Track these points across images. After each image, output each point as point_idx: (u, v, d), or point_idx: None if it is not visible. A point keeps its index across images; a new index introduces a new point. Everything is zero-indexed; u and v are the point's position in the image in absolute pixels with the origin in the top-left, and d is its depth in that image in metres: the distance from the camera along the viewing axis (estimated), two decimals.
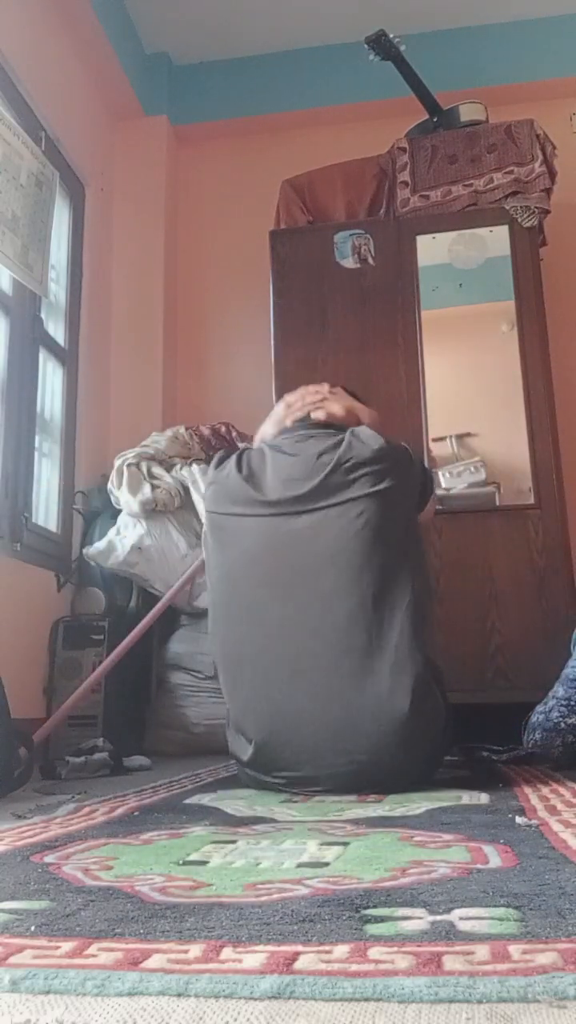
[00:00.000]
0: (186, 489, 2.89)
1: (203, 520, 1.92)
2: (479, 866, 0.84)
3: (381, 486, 1.66)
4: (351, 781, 1.55)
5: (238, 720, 1.67)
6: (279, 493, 1.69)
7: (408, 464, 1.75)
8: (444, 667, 1.77)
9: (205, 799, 1.49)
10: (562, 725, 1.92)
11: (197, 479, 2.85)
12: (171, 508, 2.86)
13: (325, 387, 2.00)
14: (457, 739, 1.83)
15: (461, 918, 0.64)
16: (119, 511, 2.91)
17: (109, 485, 2.92)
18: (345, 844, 0.99)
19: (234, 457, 1.80)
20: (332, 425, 1.83)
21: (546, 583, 2.63)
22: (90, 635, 2.72)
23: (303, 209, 3.21)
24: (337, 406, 1.91)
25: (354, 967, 0.53)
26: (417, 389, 2.87)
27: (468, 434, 2.89)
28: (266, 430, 1.98)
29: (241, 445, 2.18)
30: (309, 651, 1.60)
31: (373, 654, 1.57)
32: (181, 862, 0.90)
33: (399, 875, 0.80)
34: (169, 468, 2.95)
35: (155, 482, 2.86)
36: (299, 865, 0.87)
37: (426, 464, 1.90)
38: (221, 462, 1.82)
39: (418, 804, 1.33)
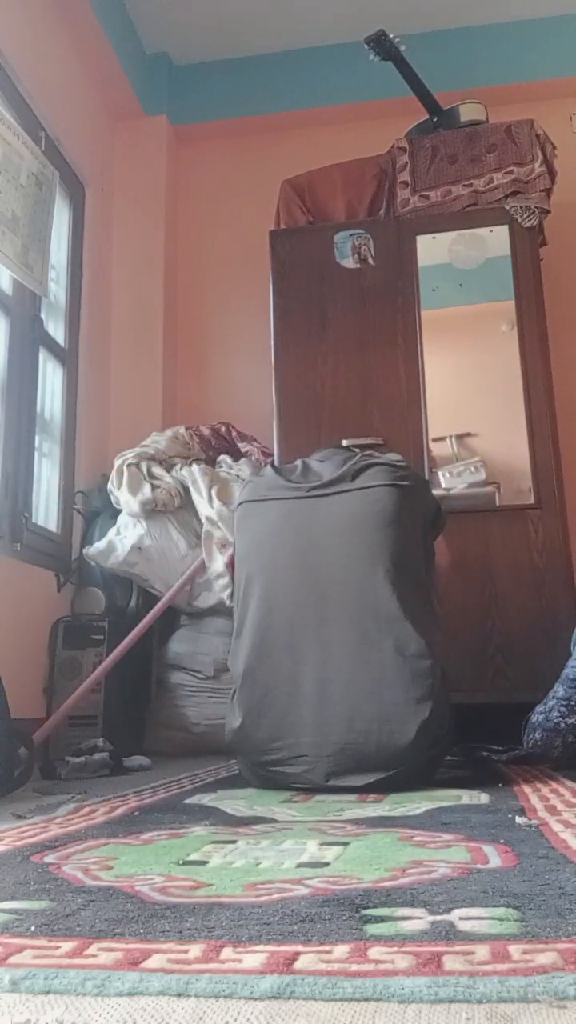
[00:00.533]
0: (186, 489, 2.89)
1: (234, 513, 2.00)
2: (479, 866, 0.84)
3: (397, 482, 1.79)
4: (343, 762, 1.59)
5: (238, 687, 1.77)
6: (306, 481, 1.88)
7: (424, 486, 1.90)
8: (445, 668, 1.77)
9: (205, 799, 1.49)
10: (562, 725, 1.92)
11: (197, 479, 2.85)
12: (171, 508, 2.86)
13: None
14: (457, 739, 1.84)
15: (461, 918, 0.64)
16: (119, 511, 2.91)
17: (109, 485, 2.92)
18: (345, 844, 0.99)
19: (271, 466, 2.02)
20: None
21: (546, 583, 2.63)
22: (90, 635, 2.72)
23: (303, 209, 3.20)
24: None
25: (354, 967, 0.53)
26: (417, 389, 2.87)
27: (468, 434, 2.88)
28: None
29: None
30: (321, 627, 1.71)
31: (385, 650, 1.66)
32: (181, 862, 0.90)
33: (399, 875, 0.80)
34: (169, 468, 2.95)
35: (155, 482, 2.86)
36: (299, 865, 0.87)
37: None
38: (258, 471, 2.02)
39: (418, 804, 1.33)
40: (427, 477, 2.64)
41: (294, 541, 1.80)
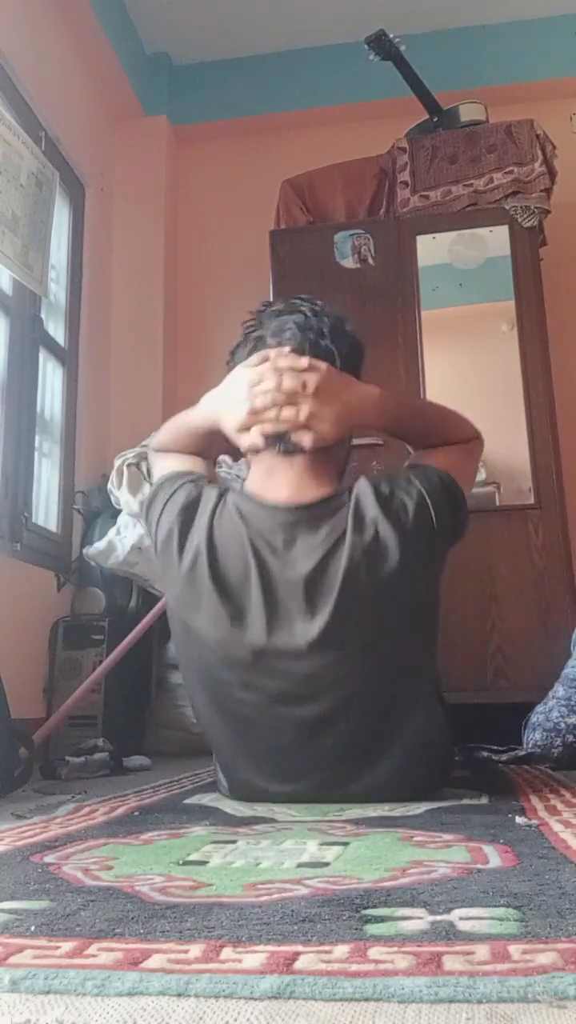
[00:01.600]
0: None
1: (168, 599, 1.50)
2: (479, 866, 0.84)
3: (399, 602, 1.35)
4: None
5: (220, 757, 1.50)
6: (262, 625, 1.32)
7: (431, 537, 1.35)
8: (445, 668, 1.76)
9: (205, 799, 1.49)
10: (562, 725, 1.92)
11: None
12: None
13: (303, 363, 1.39)
14: (457, 739, 1.83)
15: (461, 918, 0.64)
16: (119, 511, 2.91)
17: (109, 485, 2.92)
18: (345, 844, 0.99)
19: (205, 541, 1.36)
20: (324, 448, 1.41)
21: (546, 583, 2.63)
22: (90, 635, 2.72)
23: (303, 209, 3.21)
24: (327, 419, 1.38)
25: (354, 967, 0.53)
26: (417, 389, 2.87)
27: None
28: (220, 416, 1.47)
29: (200, 486, 1.47)
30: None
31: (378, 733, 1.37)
32: (181, 862, 0.90)
33: (399, 875, 0.80)
34: None
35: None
36: (299, 865, 0.87)
37: (451, 492, 1.40)
38: (183, 539, 1.38)
39: (418, 804, 1.33)
40: None
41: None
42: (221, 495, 1.42)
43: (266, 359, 1.42)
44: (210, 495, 1.42)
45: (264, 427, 1.39)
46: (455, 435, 1.50)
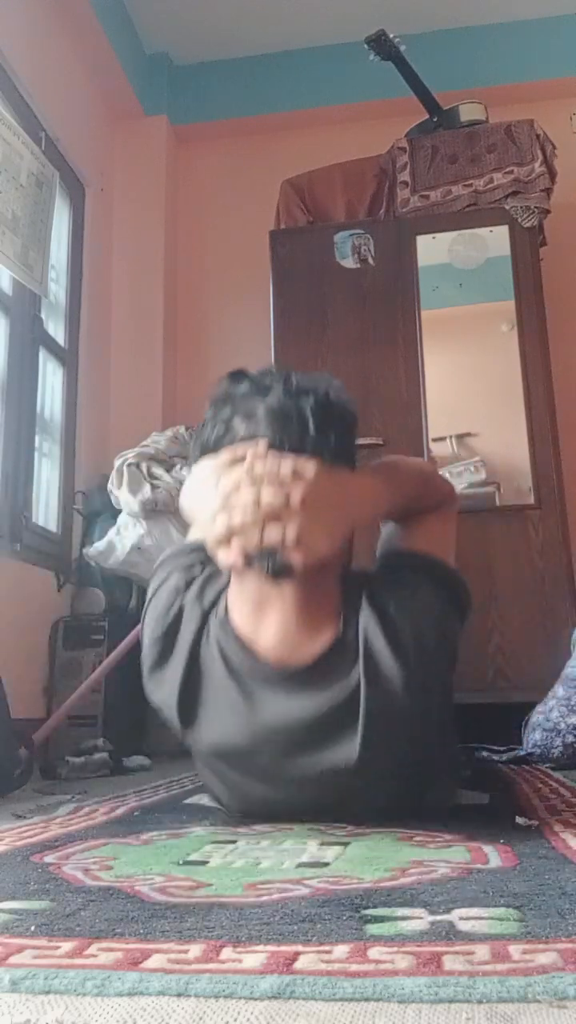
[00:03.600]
0: None
1: None
2: (479, 866, 0.84)
3: (423, 711, 1.17)
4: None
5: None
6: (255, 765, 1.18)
7: (448, 654, 1.22)
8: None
9: (205, 799, 1.49)
10: (562, 725, 1.92)
11: None
12: (171, 508, 2.85)
13: (285, 470, 1.08)
14: (457, 739, 1.83)
15: (461, 918, 0.64)
16: (119, 511, 2.91)
17: (109, 485, 2.92)
18: (345, 844, 0.99)
19: (180, 671, 1.20)
20: (319, 571, 1.14)
21: (546, 583, 2.63)
22: (90, 635, 2.72)
23: (303, 209, 3.21)
24: (321, 533, 1.09)
25: (354, 967, 0.53)
26: (417, 389, 2.87)
27: (468, 434, 2.89)
28: (197, 521, 1.27)
29: (181, 601, 1.26)
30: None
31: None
32: (181, 862, 0.90)
33: (399, 875, 0.80)
34: (169, 468, 2.95)
35: (155, 482, 2.86)
36: (299, 865, 0.87)
37: (455, 587, 1.25)
38: (157, 666, 1.24)
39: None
40: None
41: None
42: (204, 617, 1.22)
43: (239, 459, 1.12)
44: (191, 614, 1.22)
45: (245, 543, 1.09)
46: (437, 496, 1.33)
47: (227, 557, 1.11)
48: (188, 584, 1.26)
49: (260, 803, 1.22)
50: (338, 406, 1.19)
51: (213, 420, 1.21)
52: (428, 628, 1.16)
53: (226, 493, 1.10)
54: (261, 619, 1.17)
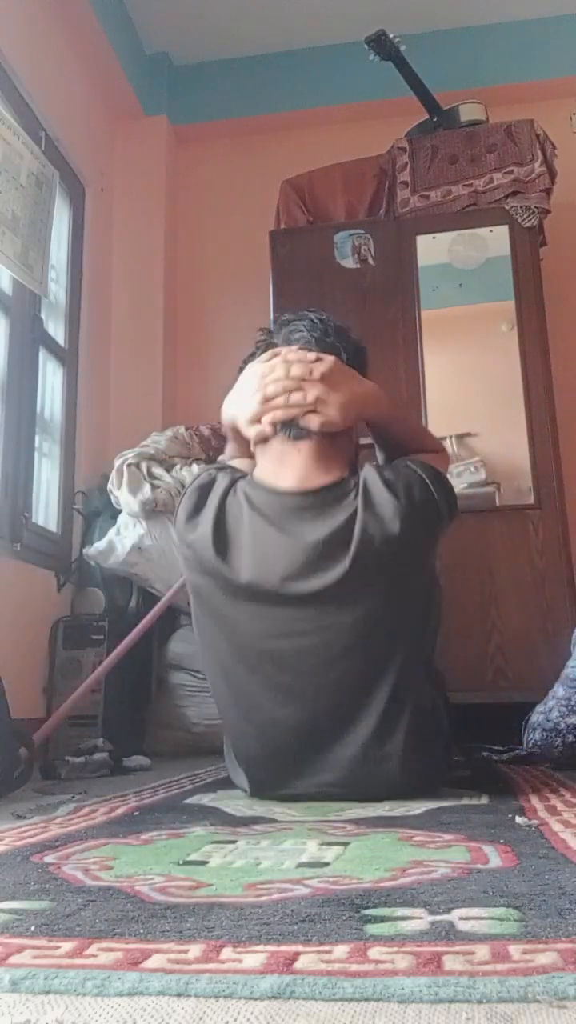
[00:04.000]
0: None
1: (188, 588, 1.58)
2: (479, 866, 0.84)
3: (400, 571, 1.41)
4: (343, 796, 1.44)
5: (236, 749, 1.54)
6: (267, 581, 1.39)
7: (434, 517, 1.44)
8: (445, 667, 1.76)
9: (205, 799, 1.49)
10: (562, 725, 1.92)
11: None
12: (171, 508, 2.85)
13: (311, 355, 1.49)
14: (457, 739, 1.83)
15: (461, 918, 0.64)
16: (119, 511, 2.91)
17: (109, 485, 2.92)
18: (345, 844, 0.99)
19: (212, 513, 1.44)
20: (330, 436, 1.48)
21: (546, 583, 2.63)
22: (90, 635, 2.72)
23: (303, 209, 3.21)
24: (334, 404, 1.45)
25: (354, 967, 0.53)
26: (417, 389, 2.87)
27: (468, 434, 2.89)
28: (235, 413, 1.56)
29: (216, 472, 1.54)
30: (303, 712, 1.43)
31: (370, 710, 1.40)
32: (181, 862, 0.90)
33: (399, 875, 0.80)
34: (169, 468, 2.95)
35: (155, 482, 2.86)
36: (299, 865, 0.87)
37: (443, 480, 1.48)
38: (192, 514, 1.47)
39: (418, 804, 1.33)
40: None
41: (266, 668, 1.48)
42: (233, 480, 1.49)
43: (276, 355, 1.52)
44: (223, 479, 1.50)
45: (275, 414, 1.47)
46: (428, 446, 1.63)
47: (259, 427, 1.48)
48: (212, 474, 1.54)
49: (256, 699, 1.42)
50: (355, 339, 1.61)
51: (256, 351, 1.59)
52: (416, 486, 1.42)
53: (263, 374, 1.49)
54: (282, 469, 1.47)
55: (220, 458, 1.74)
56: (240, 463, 1.62)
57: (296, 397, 1.46)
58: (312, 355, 1.49)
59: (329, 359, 1.49)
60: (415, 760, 1.41)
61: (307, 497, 1.43)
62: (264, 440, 1.50)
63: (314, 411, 1.45)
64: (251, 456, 1.59)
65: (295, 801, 1.42)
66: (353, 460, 1.55)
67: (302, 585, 1.38)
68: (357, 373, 1.54)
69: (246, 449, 1.60)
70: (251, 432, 1.51)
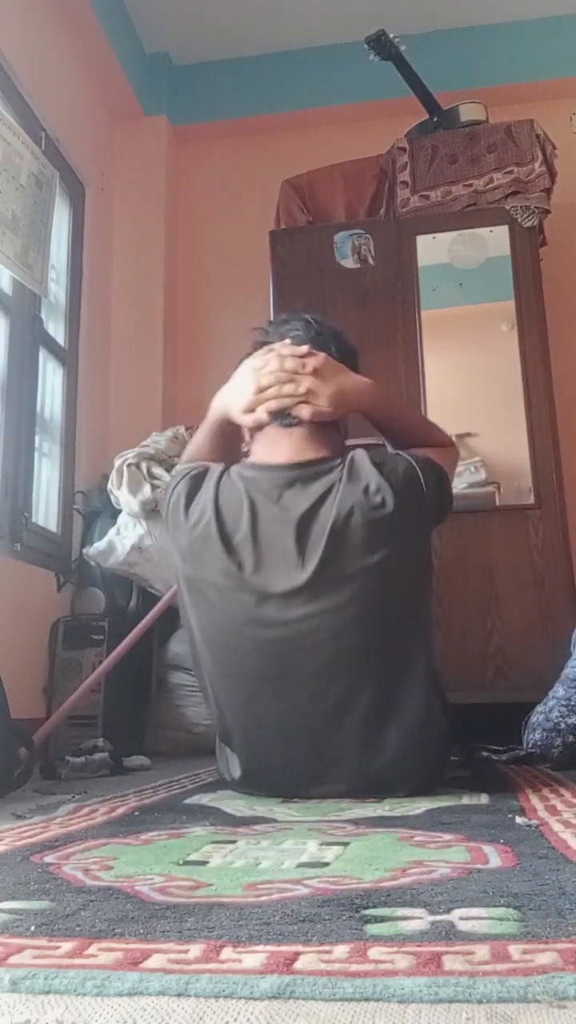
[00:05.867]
0: None
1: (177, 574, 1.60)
2: (479, 866, 0.84)
3: (389, 551, 1.42)
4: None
5: (226, 737, 1.56)
6: (261, 568, 1.43)
7: (420, 499, 1.46)
8: (444, 668, 1.76)
9: (205, 799, 1.49)
10: (562, 725, 1.92)
11: None
12: None
13: (303, 350, 1.57)
14: (457, 739, 1.83)
15: (461, 918, 0.64)
16: (119, 511, 2.91)
17: (109, 485, 2.92)
18: (345, 844, 0.99)
19: (211, 500, 1.49)
20: (320, 425, 1.55)
21: (546, 583, 2.63)
22: (90, 635, 2.72)
23: (303, 209, 3.21)
24: (324, 396, 1.53)
25: (354, 967, 0.53)
26: (417, 389, 2.87)
27: (468, 434, 2.88)
28: (228, 404, 1.62)
29: (242, 445, 1.64)
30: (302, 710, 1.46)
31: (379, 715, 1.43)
32: (181, 862, 0.90)
33: (399, 875, 0.80)
34: (169, 468, 2.95)
35: (155, 482, 2.86)
36: (299, 865, 0.87)
37: (437, 470, 1.52)
38: (190, 502, 1.52)
39: (418, 804, 1.33)
40: None
41: (260, 662, 1.50)
42: (226, 468, 1.56)
43: (271, 350, 1.61)
44: (216, 469, 1.56)
45: (268, 404, 1.55)
46: (435, 440, 1.65)
47: (254, 416, 1.56)
48: (206, 466, 1.59)
49: (246, 680, 1.46)
50: (345, 337, 1.68)
51: (254, 346, 1.67)
52: (403, 467, 1.47)
53: (258, 367, 1.58)
54: (275, 450, 1.55)
55: (185, 454, 1.74)
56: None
57: (289, 388, 1.54)
58: (304, 348, 1.58)
59: (320, 354, 1.58)
60: (413, 758, 1.43)
61: (296, 470, 1.50)
62: (259, 428, 1.59)
63: (305, 402, 1.54)
64: (225, 452, 1.65)
65: (285, 794, 1.44)
66: (340, 448, 1.60)
67: (296, 574, 1.42)
68: (348, 368, 1.61)
69: (225, 444, 1.66)
70: (246, 420, 1.59)
